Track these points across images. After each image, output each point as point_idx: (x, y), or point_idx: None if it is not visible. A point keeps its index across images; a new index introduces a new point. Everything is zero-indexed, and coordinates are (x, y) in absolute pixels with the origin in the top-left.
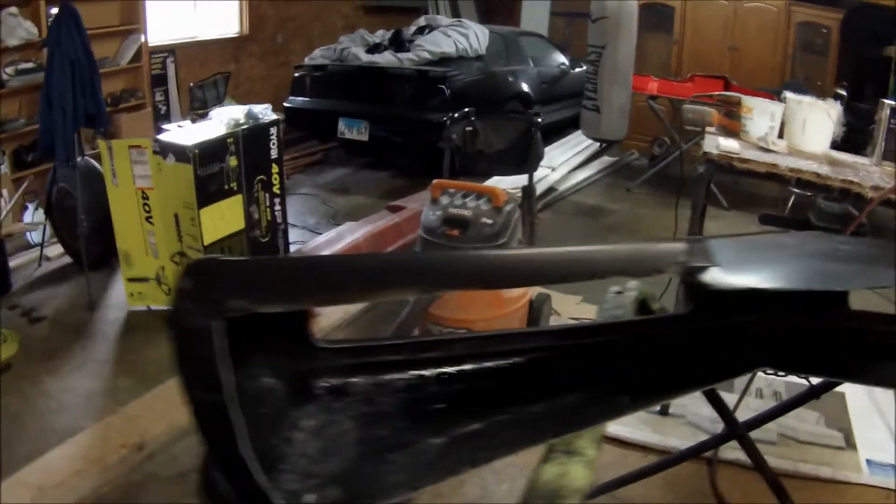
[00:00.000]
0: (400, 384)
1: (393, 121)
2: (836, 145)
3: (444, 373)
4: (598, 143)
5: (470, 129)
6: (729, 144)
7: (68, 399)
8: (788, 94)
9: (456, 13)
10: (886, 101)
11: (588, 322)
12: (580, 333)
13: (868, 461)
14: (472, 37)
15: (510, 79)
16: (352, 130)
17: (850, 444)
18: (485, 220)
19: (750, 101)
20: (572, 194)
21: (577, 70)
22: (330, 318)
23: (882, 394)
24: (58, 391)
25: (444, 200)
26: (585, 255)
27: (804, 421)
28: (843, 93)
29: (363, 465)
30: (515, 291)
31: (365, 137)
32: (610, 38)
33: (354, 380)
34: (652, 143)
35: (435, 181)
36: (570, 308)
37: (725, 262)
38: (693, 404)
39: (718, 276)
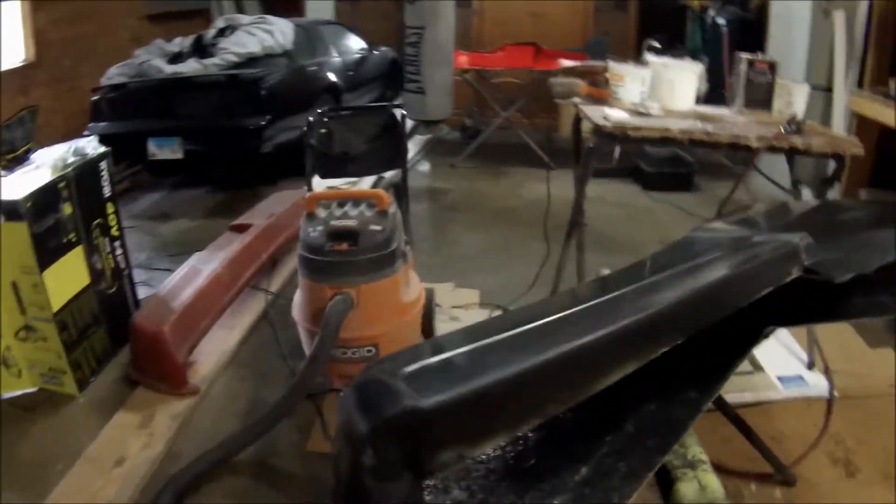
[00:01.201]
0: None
1: (208, 133)
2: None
3: None
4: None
5: (325, 130)
6: (618, 115)
7: None
8: (652, 58)
9: (241, 9)
10: (743, 55)
11: None
12: None
13: (779, 378)
14: (276, 33)
15: (319, 71)
16: (164, 150)
17: (757, 367)
18: (374, 227)
19: (621, 69)
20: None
21: (375, 53)
22: (207, 365)
23: None
24: None
25: (323, 213)
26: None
27: None
28: (657, 45)
29: None
30: (414, 293)
31: (179, 155)
32: (429, 18)
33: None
34: (463, 115)
35: (310, 194)
36: (447, 297)
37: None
38: None
39: (833, 270)
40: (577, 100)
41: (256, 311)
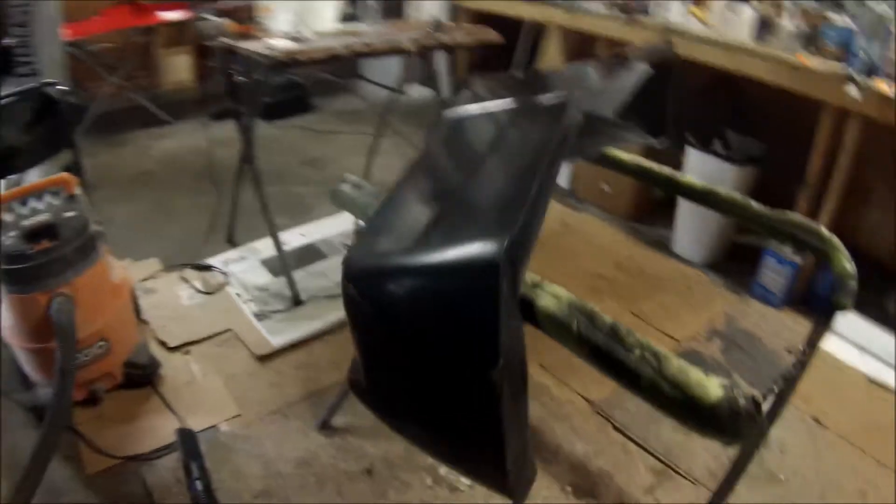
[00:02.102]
0: None
1: None
2: None
3: None
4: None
5: None
6: (282, 44)
7: None
8: None
9: None
10: None
11: None
12: None
13: None
14: None
15: None
16: None
17: None
18: (70, 213)
19: (266, 3)
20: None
21: None
22: None
23: None
24: None
25: (8, 217)
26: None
27: None
28: None
29: None
30: (119, 274)
31: None
32: None
33: None
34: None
35: None
36: (136, 272)
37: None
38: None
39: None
40: (225, 39)
41: None
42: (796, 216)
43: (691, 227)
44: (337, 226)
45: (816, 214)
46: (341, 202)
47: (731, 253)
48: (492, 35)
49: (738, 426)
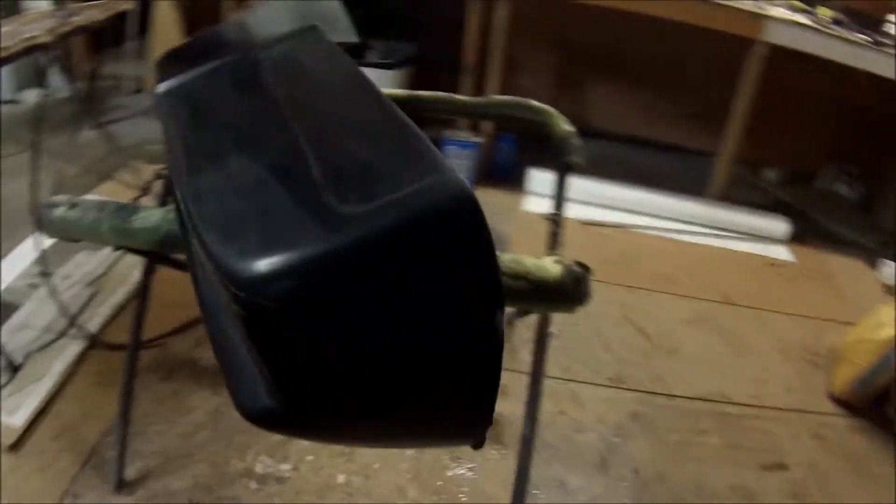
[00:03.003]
0: None
1: None
2: None
3: None
4: None
5: None
6: None
7: None
8: None
9: None
10: None
11: None
12: None
13: None
14: None
15: None
16: None
17: None
18: None
19: None
20: None
21: None
22: None
23: None
24: None
25: None
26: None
27: None
28: None
29: None
30: None
31: None
32: None
33: None
34: None
35: None
36: None
37: None
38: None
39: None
40: None
41: None
42: (502, 97)
43: None
44: (11, 269)
45: (483, 94)
46: (57, 229)
47: None
48: (125, 4)
49: (582, 290)
